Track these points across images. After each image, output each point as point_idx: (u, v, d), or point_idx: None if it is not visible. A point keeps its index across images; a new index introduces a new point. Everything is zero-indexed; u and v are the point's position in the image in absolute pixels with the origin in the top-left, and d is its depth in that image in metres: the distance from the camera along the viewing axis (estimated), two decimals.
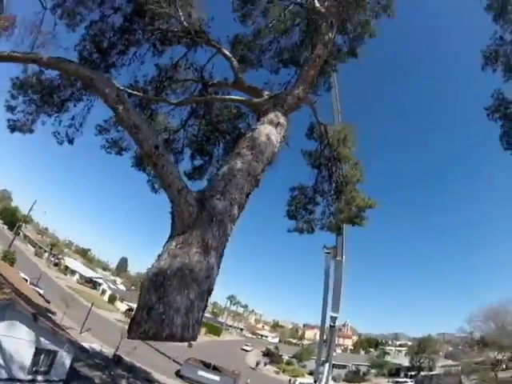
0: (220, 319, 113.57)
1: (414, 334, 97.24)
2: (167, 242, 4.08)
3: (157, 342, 3.65)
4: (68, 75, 8.91)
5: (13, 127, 11.87)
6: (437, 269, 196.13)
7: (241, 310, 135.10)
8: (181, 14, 11.38)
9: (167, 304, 3.33)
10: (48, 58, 6.34)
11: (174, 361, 35.78)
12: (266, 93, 8.49)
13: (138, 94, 11.50)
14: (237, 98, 9.93)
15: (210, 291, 3.86)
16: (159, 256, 3.87)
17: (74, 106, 12.22)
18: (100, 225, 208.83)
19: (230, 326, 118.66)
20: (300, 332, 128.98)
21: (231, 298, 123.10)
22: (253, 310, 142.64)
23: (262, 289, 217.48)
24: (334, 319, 26.29)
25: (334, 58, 12.28)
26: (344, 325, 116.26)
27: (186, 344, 47.30)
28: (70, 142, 12.27)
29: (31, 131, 12.12)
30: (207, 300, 3.83)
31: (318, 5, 10.85)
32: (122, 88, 9.31)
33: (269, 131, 6.16)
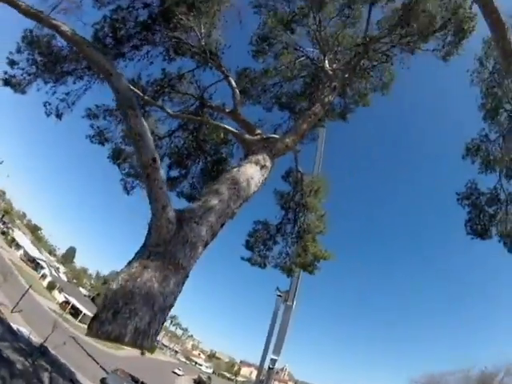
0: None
1: None
2: (139, 251, 4.41)
3: (117, 343, 3.85)
4: (87, 59, 8.61)
5: (7, 81, 11.65)
6: (380, 330, 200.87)
7: (180, 332, 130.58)
8: (202, 31, 12.10)
9: (133, 311, 3.62)
10: (73, 32, 6.29)
11: (101, 367, 34.00)
12: (258, 131, 9.10)
13: (138, 91, 11.70)
14: (231, 128, 10.42)
15: (171, 307, 4.18)
16: (130, 263, 4.17)
17: (74, 82, 12.21)
18: (59, 206, 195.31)
19: (166, 346, 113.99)
20: (236, 367, 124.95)
21: (173, 319, 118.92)
22: (192, 335, 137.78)
23: (206, 316, 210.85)
24: (273, 361, 26.33)
25: (325, 115, 13.08)
26: (282, 369, 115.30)
27: (119, 354, 45.64)
28: (58, 116, 12.22)
29: (23, 92, 11.89)
30: (167, 315, 4.15)
31: (327, 65, 11.92)
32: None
33: (254, 172, 6.71)
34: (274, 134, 12.14)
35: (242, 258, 13.53)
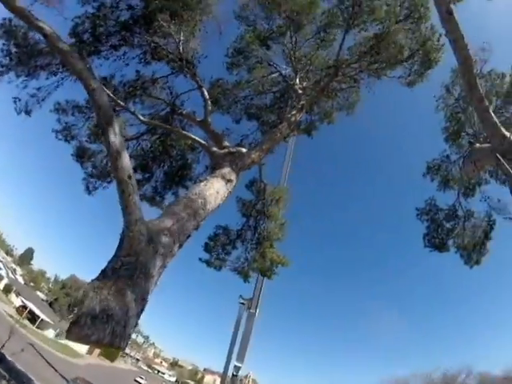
0: None
1: None
2: (112, 260, 4.91)
3: (96, 345, 4.38)
4: (70, 68, 8.12)
5: None
6: (343, 337, 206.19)
7: (141, 340, 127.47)
8: (181, 38, 12.58)
9: (110, 316, 4.14)
10: (59, 38, 6.21)
11: (60, 375, 32.97)
12: (226, 143, 9.87)
13: (109, 92, 11.40)
14: (199, 140, 11.05)
15: (142, 311, 4.78)
16: (103, 271, 4.69)
17: (47, 78, 12.13)
18: (19, 206, 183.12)
19: (126, 354, 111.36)
20: (199, 375, 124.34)
21: None
22: (153, 343, 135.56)
23: (168, 324, 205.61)
24: (237, 369, 26.68)
25: (291, 131, 13.66)
26: (246, 376, 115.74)
27: (78, 362, 44.93)
28: (27, 113, 12.20)
29: None
30: (139, 319, 4.73)
31: (297, 83, 12.79)
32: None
33: (220, 186, 7.49)
34: (241, 143, 12.90)
35: (200, 260, 13.97)
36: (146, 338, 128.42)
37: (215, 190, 7.25)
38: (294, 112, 11.22)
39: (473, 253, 13.77)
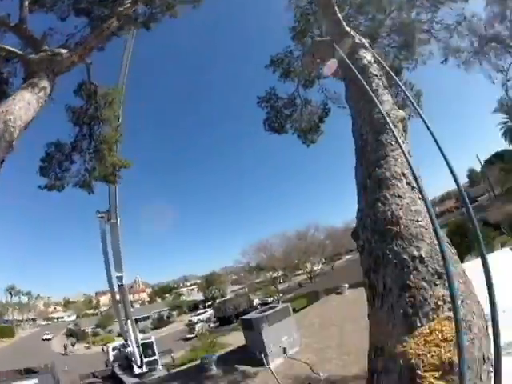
0: (6, 317, 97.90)
1: (201, 273, 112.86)
2: None
3: None
4: None
5: None
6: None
7: (25, 298, 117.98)
8: None
9: None
10: None
11: None
12: (45, 47, 8.48)
13: None
14: (13, 49, 9.37)
15: None
16: None
17: None
18: None
19: (20, 321, 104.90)
20: (94, 301, 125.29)
21: (11, 290, 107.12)
22: (38, 295, 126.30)
23: (39, 269, 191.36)
24: (120, 278, 27.31)
25: (124, 26, 11.85)
26: (135, 281, 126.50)
27: None
28: None
29: None
30: None
31: None
32: None
33: (30, 96, 6.65)
34: (66, 44, 11.27)
35: (39, 187, 12.59)
36: (29, 293, 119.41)
37: (26, 101, 6.38)
38: (126, 5, 9.97)
39: (309, 134, 15.58)
